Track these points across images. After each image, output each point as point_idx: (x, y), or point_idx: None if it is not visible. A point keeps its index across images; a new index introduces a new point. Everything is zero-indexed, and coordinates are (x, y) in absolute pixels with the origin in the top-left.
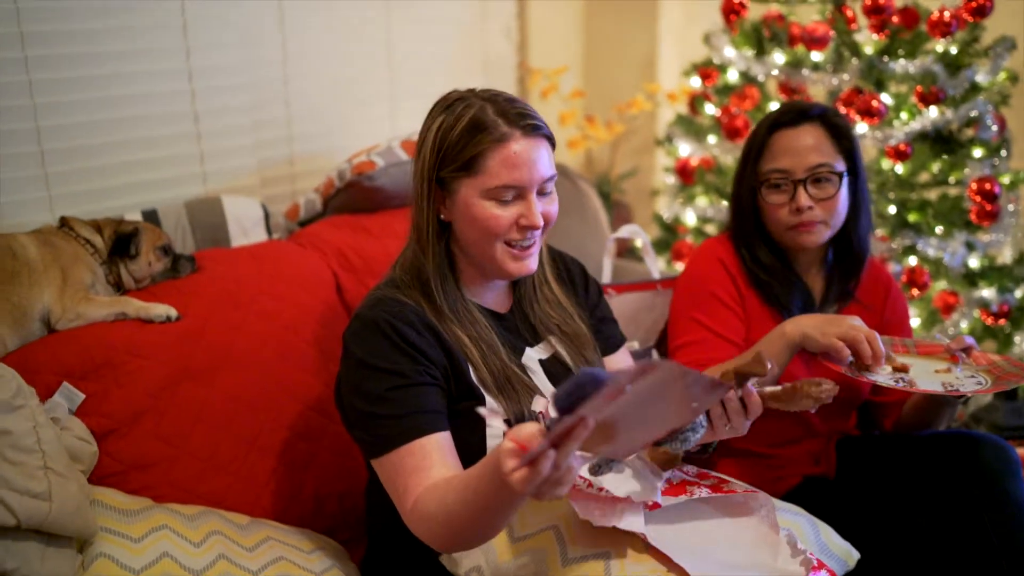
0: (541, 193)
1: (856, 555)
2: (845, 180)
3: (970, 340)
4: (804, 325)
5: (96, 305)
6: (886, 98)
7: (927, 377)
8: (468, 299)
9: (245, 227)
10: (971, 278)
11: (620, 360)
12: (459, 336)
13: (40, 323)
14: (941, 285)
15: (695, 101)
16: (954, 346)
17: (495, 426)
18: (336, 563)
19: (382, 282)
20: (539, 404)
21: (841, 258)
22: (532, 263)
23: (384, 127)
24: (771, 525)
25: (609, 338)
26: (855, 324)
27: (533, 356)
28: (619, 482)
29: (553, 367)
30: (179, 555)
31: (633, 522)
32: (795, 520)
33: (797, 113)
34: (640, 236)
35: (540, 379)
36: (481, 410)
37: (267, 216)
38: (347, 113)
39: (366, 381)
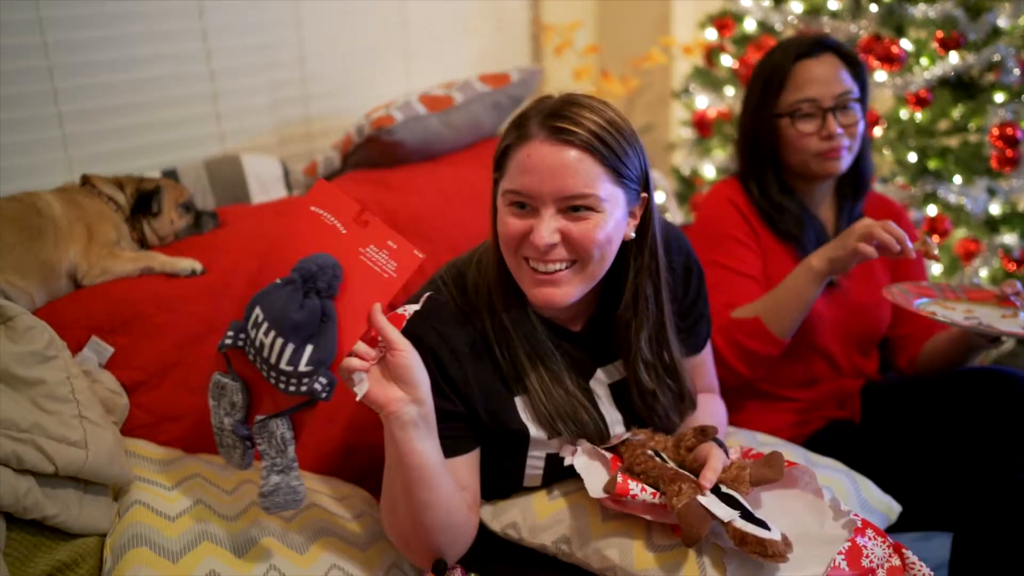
0: (568, 209)
1: (897, 509)
2: (862, 106)
3: (1021, 285)
4: (824, 253)
5: (122, 260)
6: (906, 44)
7: (999, 322)
8: (536, 315)
9: (265, 184)
10: (992, 224)
11: (700, 360)
12: (519, 359)
13: (67, 279)
14: (962, 232)
15: (711, 53)
16: (1008, 290)
17: (536, 456)
18: (367, 510)
19: (458, 271)
20: (566, 452)
21: (849, 185)
22: (556, 293)
23: (399, 86)
24: (815, 492)
25: (698, 338)
26: (864, 223)
27: (603, 379)
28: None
29: (622, 390)
30: (212, 502)
31: None
32: (836, 477)
33: (816, 43)
34: (661, 184)
35: (605, 406)
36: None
37: (287, 173)
38: (362, 72)
39: None
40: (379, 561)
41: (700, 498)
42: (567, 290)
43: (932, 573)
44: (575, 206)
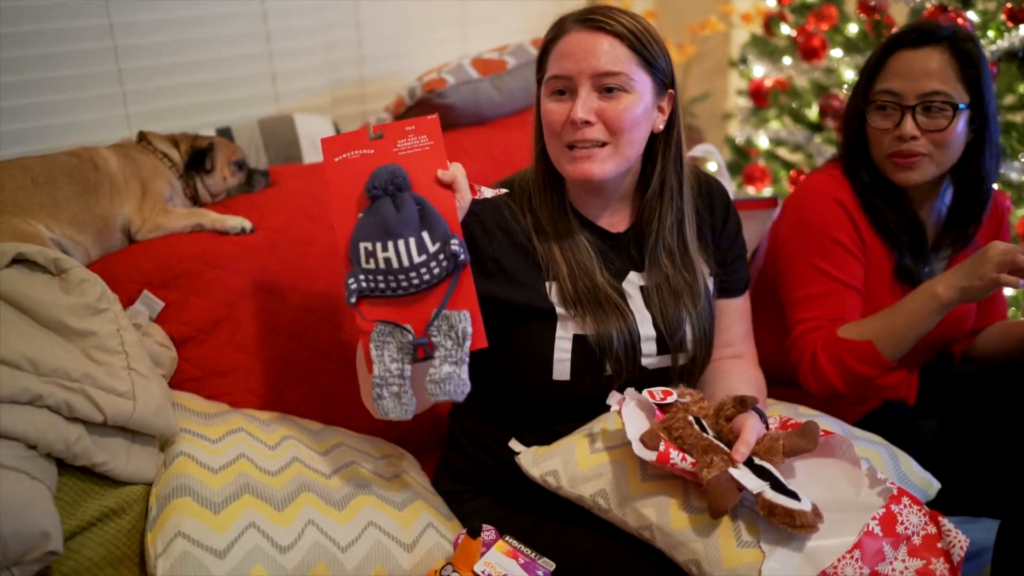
0: (602, 91)
1: (936, 485)
2: (964, 114)
3: None
4: (953, 282)
5: (174, 217)
6: (972, 16)
7: None
8: (575, 213)
9: (317, 144)
10: None
11: (737, 306)
12: (552, 250)
13: (121, 234)
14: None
15: (771, 21)
16: None
17: (563, 338)
18: (406, 469)
19: (516, 174)
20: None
21: (960, 200)
22: (594, 167)
23: (454, 49)
24: (852, 461)
25: (734, 281)
26: (998, 249)
27: (635, 281)
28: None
29: (652, 295)
30: (255, 456)
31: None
32: (874, 449)
33: (921, 33)
34: (715, 156)
35: (636, 303)
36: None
37: (338, 133)
38: (417, 36)
39: None
40: (415, 520)
41: (731, 470)
42: (602, 166)
43: (968, 540)
44: (608, 86)
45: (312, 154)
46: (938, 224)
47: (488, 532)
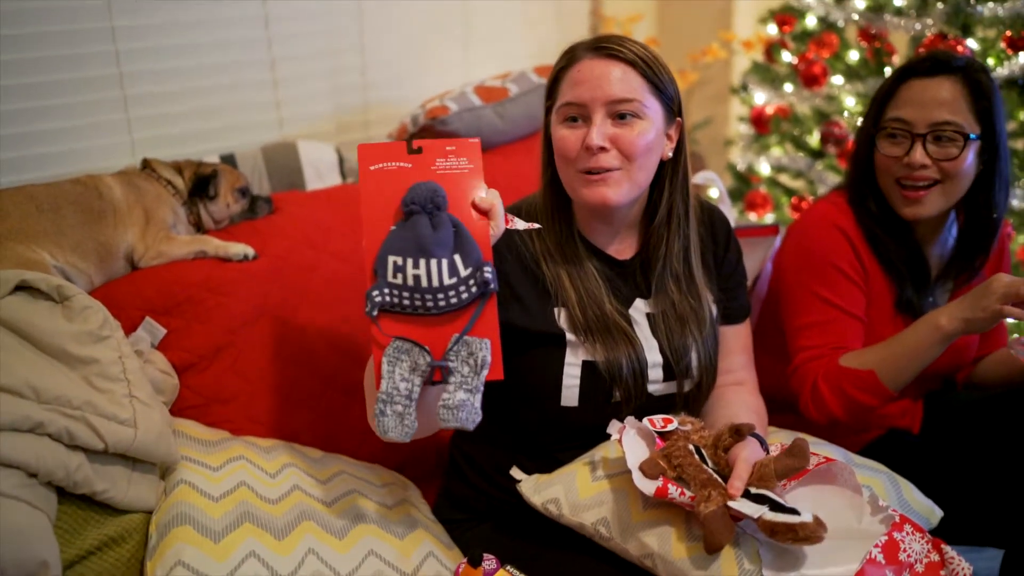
0: (616, 117)
1: (939, 513)
2: (974, 144)
3: None
4: (956, 313)
5: (177, 244)
6: (972, 44)
7: None
8: (582, 240)
9: (320, 171)
10: None
11: (738, 333)
12: (560, 277)
13: (124, 261)
14: None
15: (772, 49)
16: None
17: (572, 364)
18: (407, 497)
19: (522, 200)
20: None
21: (968, 232)
22: (609, 192)
23: (457, 76)
24: (853, 488)
25: (736, 308)
26: (1002, 281)
27: (641, 308)
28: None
29: (659, 322)
30: (256, 484)
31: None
32: (875, 477)
33: (935, 62)
34: (716, 183)
35: (643, 331)
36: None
37: (341, 161)
38: (421, 62)
39: None
40: (416, 548)
41: (729, 503)
42: (617, 190)
43: (971, 568)
44: (622, 113)
45: (315, 181)
46: (943, 257)
47: (489, 561)
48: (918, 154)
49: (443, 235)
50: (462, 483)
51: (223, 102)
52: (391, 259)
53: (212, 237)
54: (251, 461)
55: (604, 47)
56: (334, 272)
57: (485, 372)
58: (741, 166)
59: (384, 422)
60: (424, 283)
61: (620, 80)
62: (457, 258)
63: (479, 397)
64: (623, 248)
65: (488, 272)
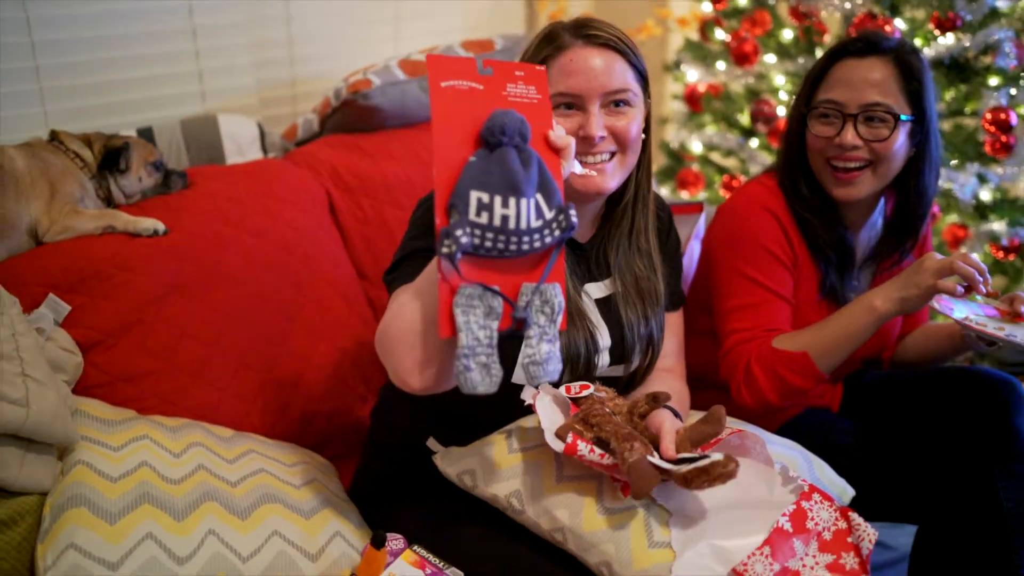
0: (610, 106)
1: (851, 492)
2: (905, 126)
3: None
4: (891, 293)
5: (84, 218)
6: (900, 24)
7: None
8: None
9: (240, 145)
10: (981, 211)
11: (673, 320)
12: None
13: (28, 236)
14: (952, 218)
15: (705, 26)
16: (1020, 307)
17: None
18: (318, 476)
19: None
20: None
21: (899, 214)
22: (604, 181)
23: (388, 49)
24: (764, 460)
25: (672, 295)
26: (934, 259)
27: (592, 292)
28: None
29: (607, 307)
30: (157, 464)
31: None
32: (790, 455)
33: (867, 43)
34: None
35: (595, 314)
36: None
37: (263, 135)
38: (350, 36)
39: (408, 237)
40: (322, 529)
41: (649, 457)
42: (612, 179)
43: (876, 532)
44: (616, 101)
45: (235, 155)
46: (871, 240)
47: (396, 541)
48: (849, 135)
49: (532, 173)
50: (380, 458)
51: (142, 74)
52: (475, 195)
53: (121, 212)
54: (155, 441)
55: (594, 35)
56: (248, 248)
57: (560, 319)
58: (674, 144)
59: (470, 377)
60: (512, 224)
61: (614, 70)
62: (540, 198)
63: (560, 345)
64: (583, 231)
65: (574, 215)
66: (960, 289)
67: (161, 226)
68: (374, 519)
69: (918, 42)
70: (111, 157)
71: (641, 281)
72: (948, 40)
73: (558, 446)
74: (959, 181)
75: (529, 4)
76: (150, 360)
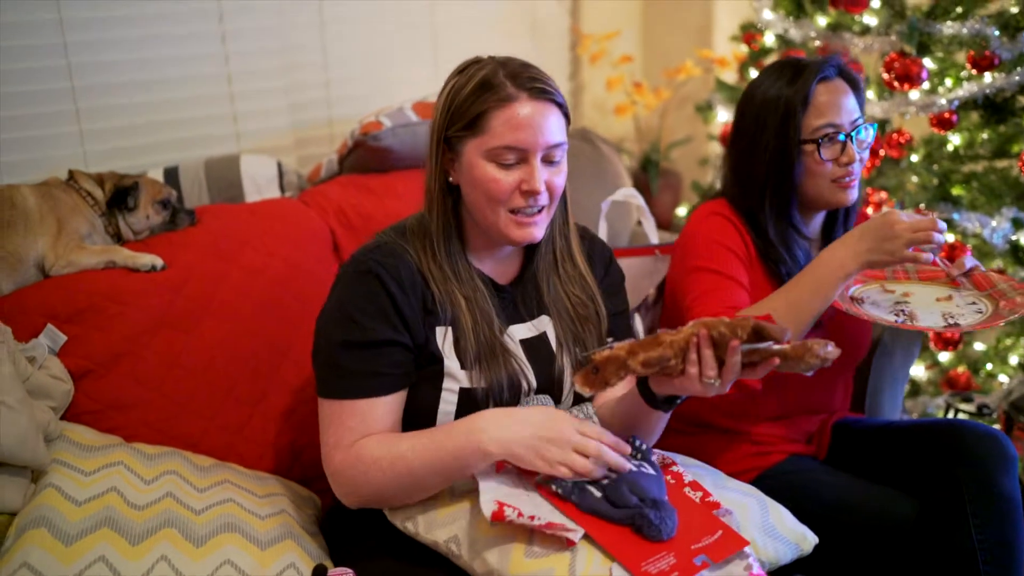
0: (548, 161)
1: (812, 539)
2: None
3: (972, 262)
4: (861, 255)
5: (87, 253)
6: (929, 63)
7: (928, 307)
8: (472, 264)
9: (259, 185)
10: (1017, 254)
11: (630, 326)
12: (456, 298)
13: (35, 269)
14: (993, 264)
15: (742, 66)
16: (955, 271)
17: (449, 390)
18: (287, 509)
19: (392, 226)
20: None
21: (843, 214)
22: (537, 232)
23: (427, 90)
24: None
25: (620, 328)
26: (905, 225)
27: (515, 334)
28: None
29: (535, 347)
30: (126, 490)
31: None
32: (744, 500)
33: (830, 66)
34: (637, 199)
35: (520, 356)
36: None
37: (281, 174)
38: (389, 76)
39: (338, 325)
40: (276, 560)
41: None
42: (541, 229)
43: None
44: (554, 157)
45: (253, 194)
46: (823, 240)
47: (347, 574)
48: (853, 151)
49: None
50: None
51: (178, 116)
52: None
53: (123, 248)
54: (129, 467)
55: (542, 88)
56: (242, 284)
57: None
58: (718, 185)
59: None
60: None
61: (556, 125)
62: None
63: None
64: (506, 272)
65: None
66: (932, 257)
67: (160, 261)
68: (335, 556)
69: (948, 82)
70: (119, 195)
71: (578, 308)
72: (986, 79)
73: (488, 511)
74: (989, 225)
75: (573, 47)
76: (139, 389)
